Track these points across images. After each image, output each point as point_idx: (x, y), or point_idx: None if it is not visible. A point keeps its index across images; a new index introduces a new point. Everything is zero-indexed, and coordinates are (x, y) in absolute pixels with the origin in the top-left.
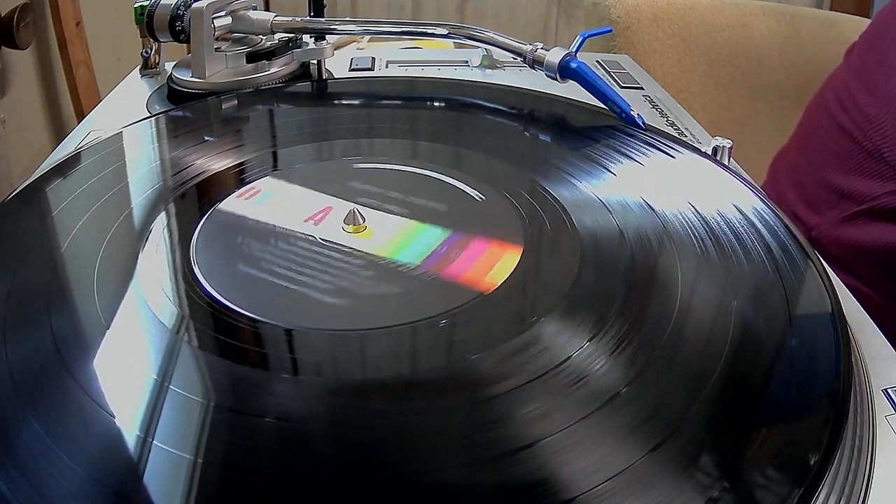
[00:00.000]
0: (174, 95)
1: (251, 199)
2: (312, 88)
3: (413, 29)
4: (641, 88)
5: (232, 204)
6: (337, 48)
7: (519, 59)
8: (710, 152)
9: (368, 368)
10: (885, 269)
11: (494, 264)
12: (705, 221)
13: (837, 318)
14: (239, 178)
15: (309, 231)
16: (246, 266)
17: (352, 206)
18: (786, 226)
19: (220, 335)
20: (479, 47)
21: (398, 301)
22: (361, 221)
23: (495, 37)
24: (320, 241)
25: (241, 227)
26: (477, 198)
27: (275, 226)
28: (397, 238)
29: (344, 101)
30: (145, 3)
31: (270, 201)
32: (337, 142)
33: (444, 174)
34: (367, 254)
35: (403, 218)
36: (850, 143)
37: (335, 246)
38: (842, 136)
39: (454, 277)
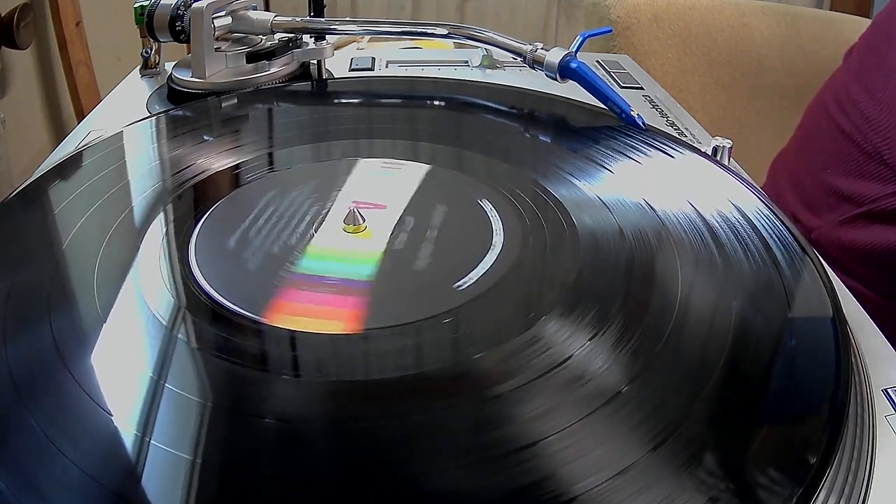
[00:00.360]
0: (174, 95)
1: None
2: (312, 88)
3: (413, 29)
4: (641, 88)
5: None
6: (337, 48)
7: (519, 59)
8: (710, 152)
9: (369, 368)
10: (885, 270)
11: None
12: (705, 221)
13: (837, 318)
14: (239, 177)
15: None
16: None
17: (352, 205)
18: (786, 226)
19: (219, 335)
20: (479, 47)
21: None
22: (361, 221)
23: (495, 37)
24: (321, 240)
25: (240, 226)
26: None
27: (274, 225)
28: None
29: (344, 101)
30: (145, 3)
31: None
32: (337, 142)
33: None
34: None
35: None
36: (849, 145)
37: (336, 245)
38: (841, 139)
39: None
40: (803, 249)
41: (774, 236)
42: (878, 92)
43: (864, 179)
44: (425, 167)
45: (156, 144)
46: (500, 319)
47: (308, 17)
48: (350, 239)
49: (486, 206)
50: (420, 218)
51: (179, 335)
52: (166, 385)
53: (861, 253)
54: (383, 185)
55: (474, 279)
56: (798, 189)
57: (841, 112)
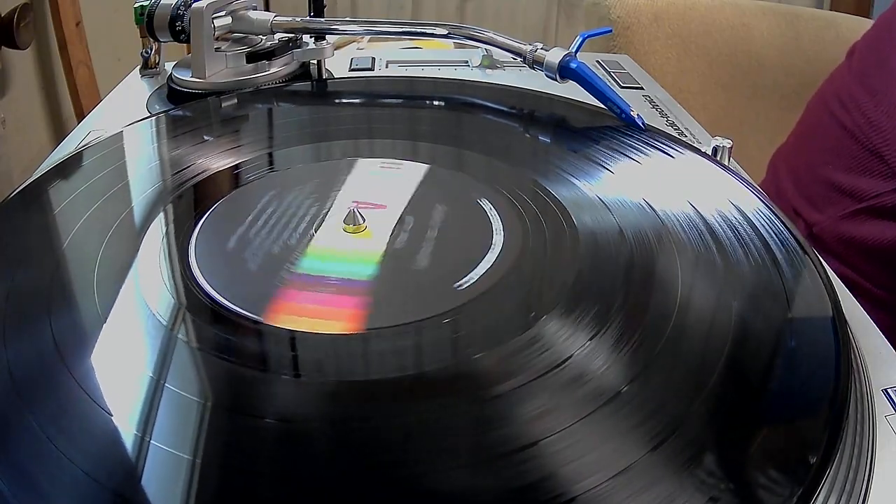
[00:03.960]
0: (174, 95)
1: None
2: (312, 88)
3: (413, 29)
4: (641, 88)
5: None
6: (337, 48)
7: (519, 59)
8: (710, 152)
9: (369, 368)
10: (886, 265)
11: (494, 263)
12: (705, 221)
13: (837, 318)
14: (239, 177)
15: (309, 230)
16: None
17: (352, 205)
18: (786, 226)
19: (219, 335)
20: (479, 47)
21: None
22: (361, 221)
23: (495, 37)
24: (321, 240)
25: (240, 226)
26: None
27: (274, 225)
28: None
29: (344, 101)
30: (145, 3)
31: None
32: (337, 142)
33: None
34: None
35: (403, 218)
36: (850, 141)
37: (336, 245)
38: (843, 135)
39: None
40: (803, 249)
41: (774, 236)
42: (880, 94)
43: (865, 175)
44: (425, 167)
45: (156, 144)
46: (500, 319)
47: (308, 17)
48: (350, 239)
49: (486, 206)
50: (420, 218)
51: (179, 335)
52: (166, 385)
53: (862, 248)
54: (383, 185)
55: (474, 279)
56: (798, 184)
57: (842, 109)
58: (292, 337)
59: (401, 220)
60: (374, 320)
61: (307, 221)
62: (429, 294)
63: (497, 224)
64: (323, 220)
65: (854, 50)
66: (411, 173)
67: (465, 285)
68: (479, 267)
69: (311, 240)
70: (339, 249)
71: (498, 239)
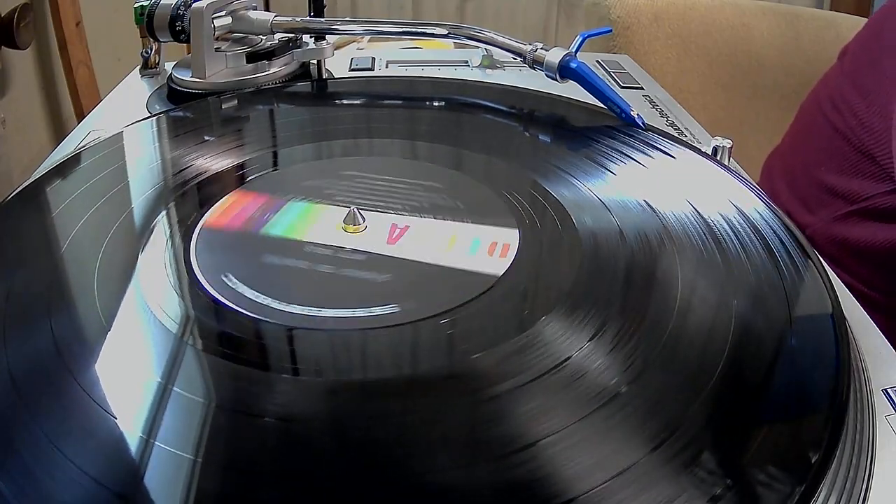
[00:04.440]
0: (174, 95)
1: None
2: (312, 88)
3: (413, 29)
4: (641, 88)
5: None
6: (337, 48)
7: (519, 59)
8: (710, 152)
9: (369, 368)
10: (880, 267)
11: (494, 263)
12: (705, 221)
13: (837, 317)
14: (239, 177)
15: (309, 230)
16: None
17: (352, 205)
18: (785, 225)
19: (220, 335)
20: (479, 47)
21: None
22: (361, 221)
23: (495, 37)
24: (320, 240)
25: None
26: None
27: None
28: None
29: (344, 101)
30: (145, 3)
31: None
32: (337, 142)
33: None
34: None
35: (403, 218)
36: (843, 143)
37: (336, 245)
38: (835, 136)
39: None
40: (803, 249)
41: (774, 236)
42: (872, 95)
43: (858, 177)
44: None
45: (156, 145)
46: (499, 319)
47: (308, 17)
48: (350, 239)
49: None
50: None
51: (181, 336)
52: (169, 386)
53: (855, 249)
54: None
55: (474, 279)
56: (792, 186)
57: (835, 111)
58: (292, 337)
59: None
60: (375, 320)
61: (308, 221)
62: (428, 294)
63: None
64: (323, 220)
65: (846, 51)
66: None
67: (465, 285)
68: (479, 267)
69: (311, 240)
70: (339, 249)
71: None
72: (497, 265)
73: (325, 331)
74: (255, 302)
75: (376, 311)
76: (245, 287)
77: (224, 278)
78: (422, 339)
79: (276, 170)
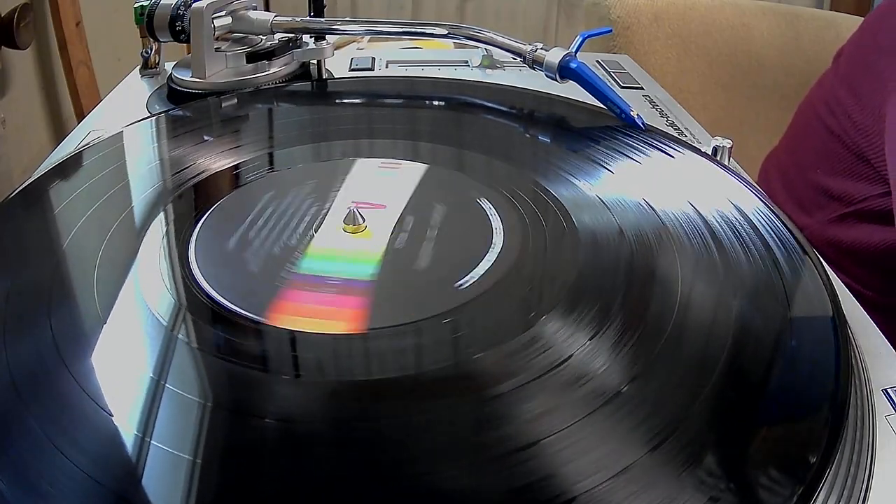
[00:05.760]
0: (174, 95)
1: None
2: (312, 88)
3: (413, 29)
4: (641, 88)
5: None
6: (337, 48)
7: (519, 59)
8: (710, 152)
9: (370, 368)
10: (876, 268)
11: (494, 263)
12: (705, 221)
13: (837, 317)
14: (239, 177)
15: (309, 231)
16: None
17: (352, 205)
18: (785, 225)
19: (219, 335)
20: (479, 47)
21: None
22: (361, 221)
23: (495, 37)
24: (320, 240)
25: (240, 227)
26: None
27: (274, 225)
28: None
29: (344, 101)
30: (145, 3)
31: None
32: (337, 142)
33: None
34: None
35: (403, 218)
36: (837, 145)
37: (335, 246)
38: (830, 139)
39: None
40: (803, 249)
41: (774, 236)
42: (866, 98)
43: (853, 179)
44: (425, 167)
45: (156, 144)
46: (500, 319)
47: (308, 17)
48: (350, 239)
49: (486, 206)
50: (420, 218)
51: (179, 335)
52: (166, 385)
53: (852, 251)
54: (383, 185)
55: (474, 279)
56: (788, 188)
57: (829, 113)
58: (292, 337)
59: (400, 220)
60: (375, 321)
61: (307, 221)
62: (429, 294)
63: (497, 224)
64: (323, 221)
65: (840, 53)
66: (411, 173)
67: (466, 285)
68: (479, 267)
69: (311, 240)
70: (339, 249)
71: (498, 239)
72: (497, 265)
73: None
74: (256, 302)
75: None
76: (245, 287)
77: (224, 278)
78: (422, 339)
79: (275, 170)
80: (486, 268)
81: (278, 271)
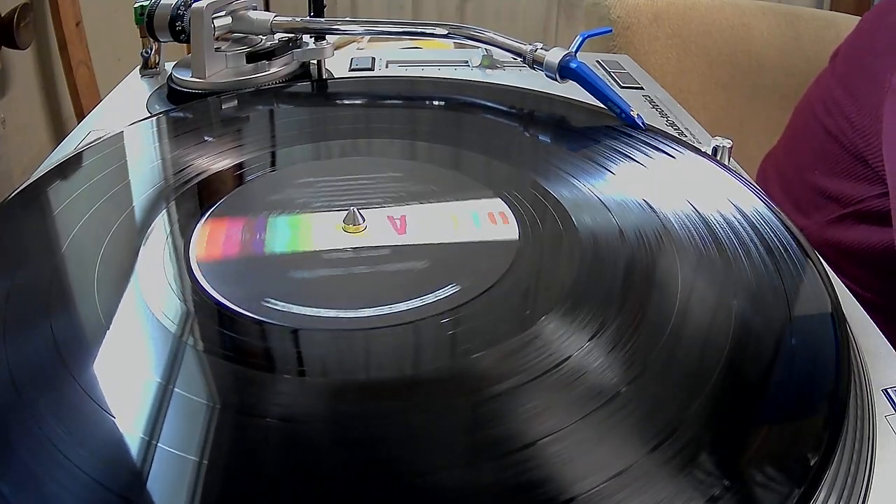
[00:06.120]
0: (174, 95)
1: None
2: (312, 88)
3: (413, 29)
4: (641, 88)
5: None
6: (337, 48)
7: (519, 59)
8: (710, 152)
9: (371, 368)
10: (875, 269)
11: (494, 263)
12: (705, 221)
13: (837, 317)
14: (239, 177)
15: (309, 230)
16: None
17: (351, 205)
18: (786, 225)
19: (220, 336)
20: (479, 47)
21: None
22: (361, 221)
23: (495, 37)
24: (321, 240)
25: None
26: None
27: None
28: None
29: (344, 101)
30: (145, 3)
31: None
32: (337, 142)
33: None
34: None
35: (403, 218)
36: (835, 146)
37: (336, 245)
38: (827, 140)
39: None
40: (803, 249)
41: (774, 236)
42: (863, 98)
43: (850, 180)
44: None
45: (156, 145)
46: (499, 319)
47: (308, 17)
48: (350, 239)
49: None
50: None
51: (182, 336)
52: (169, 386)
53: (850, 252)
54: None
55: (474, 279)
56: (786, 189)
57: (826, 114)
58: (294, 337)
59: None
60: (375, 320)
61: (307, 221)
62: (428, 294)
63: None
64: (323, 220)
65: (837, 53)
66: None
67: (465, 285)
68: (478, 267)
69: (310, 240)
70: (339, 249)
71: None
72: (497, 265)
73: (326, 331)
74: (258, 302)
75: (377, 310)
76: (247, 287)
77: (226, 279)
78: (422, 339)
79: (276, 170)
80: (486, 268)
81: (279, 271)
